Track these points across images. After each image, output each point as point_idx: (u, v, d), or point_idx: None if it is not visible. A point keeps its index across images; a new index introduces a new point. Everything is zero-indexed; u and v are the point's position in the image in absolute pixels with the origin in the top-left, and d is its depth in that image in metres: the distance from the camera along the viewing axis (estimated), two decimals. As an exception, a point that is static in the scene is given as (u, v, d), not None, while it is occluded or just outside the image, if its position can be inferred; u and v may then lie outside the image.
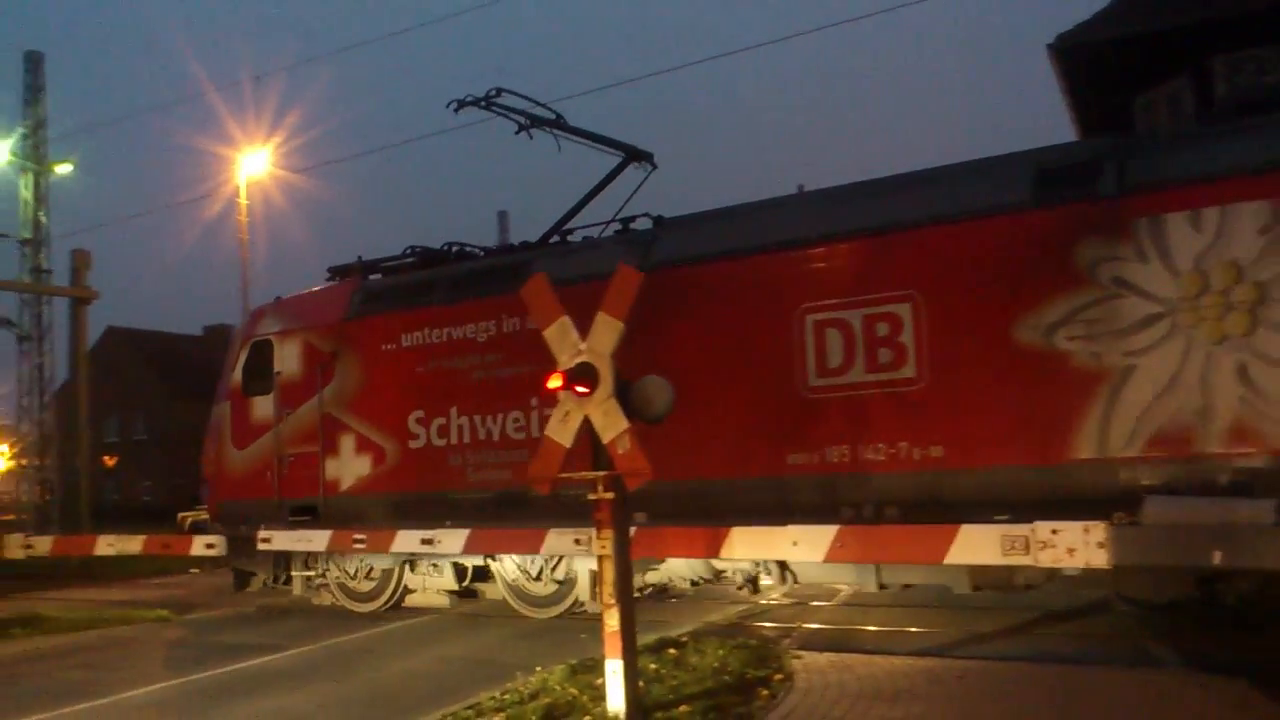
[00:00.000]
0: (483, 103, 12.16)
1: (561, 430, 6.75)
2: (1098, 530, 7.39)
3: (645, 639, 8.17)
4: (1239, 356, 7.77)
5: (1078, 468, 8.23)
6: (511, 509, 10.90)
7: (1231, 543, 7.15)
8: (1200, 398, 7.89)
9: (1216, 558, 7.16)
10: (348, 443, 12.45)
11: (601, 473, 6.64)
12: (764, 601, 12.09)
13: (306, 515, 12.52)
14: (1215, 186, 7.94)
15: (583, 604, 11.10)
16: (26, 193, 29.08)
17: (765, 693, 7.14)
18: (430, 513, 11.42)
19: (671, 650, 8.51)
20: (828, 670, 7.81)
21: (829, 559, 8.43)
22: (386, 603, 12.56)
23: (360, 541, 11.14)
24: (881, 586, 9.21)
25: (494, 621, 11.75)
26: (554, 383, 6.68)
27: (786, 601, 12.15)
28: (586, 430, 6.61)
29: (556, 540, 9.64)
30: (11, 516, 30.91)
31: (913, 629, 9.88)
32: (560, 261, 11.18)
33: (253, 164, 28.05)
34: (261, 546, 12.06)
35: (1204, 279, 7.95)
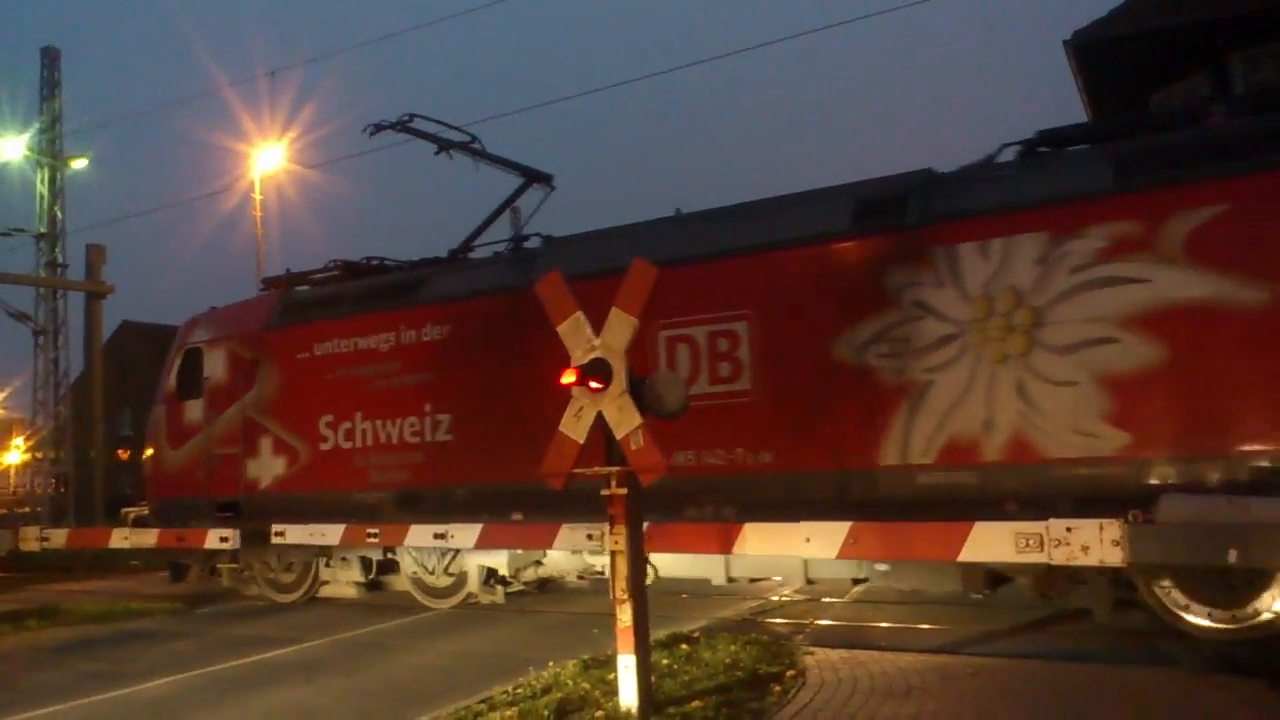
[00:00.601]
0: (397, 127, 13.12)
1: (575, 426, 6.75)
2: (1113, 528, 7.36)
3: (657, 634, 8.16)
4: (1017, 374, 8.58)
5: (884, 473, 9.01)
6: (408, 507, 11.73)
7: (1247, 541, 7.11)
8: (985, 411, 8.69)
9: (1232, 556, 7.12)
10: (266, 445, 13.29)
11: (615, 468, 6.64)
12: (776, 598, 12.09)
13: (230, 512, 13.25)
14: (1001, 219, 8.78)
15: (475, 596, 11.95)
16: (43, 188, 29.23)
17: (778, 689, 7.13)
18: (337, 511, 12.12)
19: (684, 645, 8.51)
20: (840, 666, 7.81)
21: (842, 555, 8.42)
22: (305, 593, 13.41)
23: (373, 535, 11.22)
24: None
25: (506, 617, 11.77)
26: (567, 378, 6.67)
27: (798, 598, 12.14)
28: (600, 426, 6.62)
29: (569, 535, 9.65)
30: (26, 509, 31.11)
31: (925, 626, 9.86)
32: (454, 278, 12.28)
33: (268, 159, 28.12)
34: (275, 540, 12.14)
35: (990, 303, 8.76)
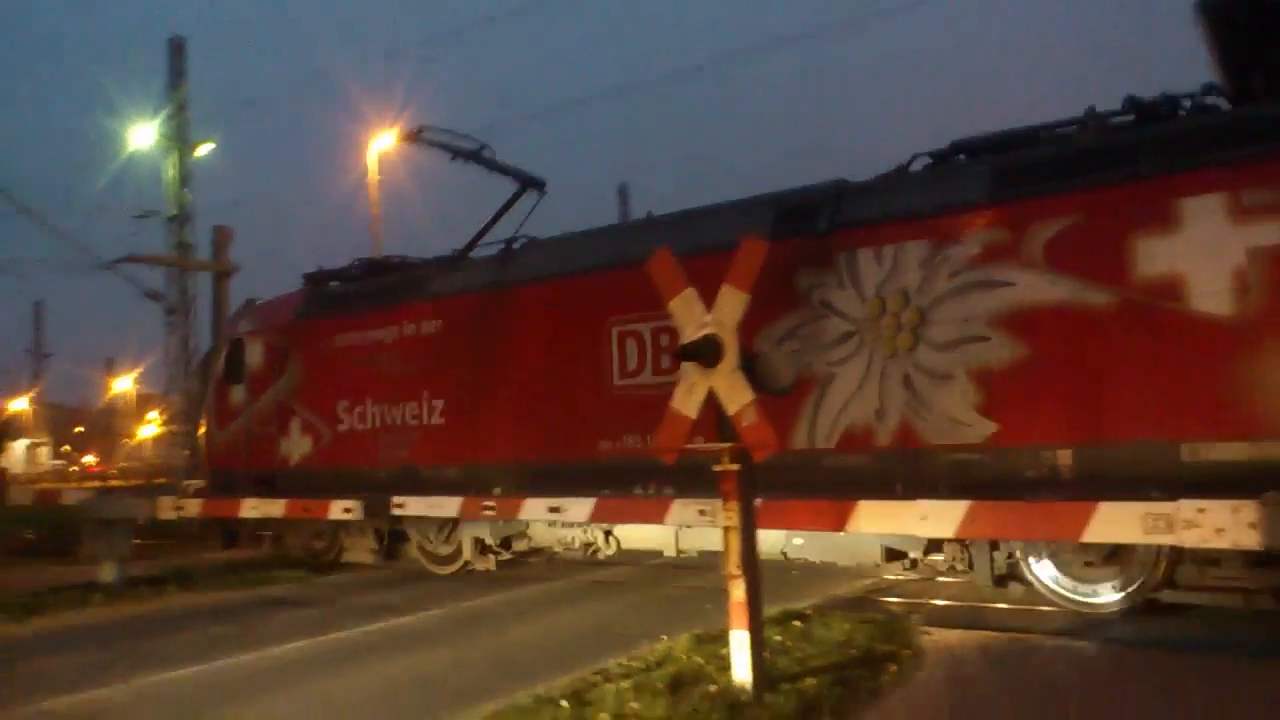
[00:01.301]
0: (412, 138, 14.27)
1: (687, 402, 6.77)
2: (1248, 510, 7.03)
3: (769, 611, 8.13)
4: (905, 369, 9.48)
5: (796, 456, 9.79)
6: (408, 482, 12.99)
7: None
8: (877, 402, 9.63)
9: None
10: (295, 426, 14.86)
11: (727, 444, 6.63)
12: (890, 576, 11.94)
13: (265, 484, 14.78)
14: (893, 227, 9.65)
15: (470, 563, 13.14)
16: (172, 172, 30.42)
17: (893, 668, 7.06)
18: (351, 485, 13.41)
19: (796, 623, 8.47)
20: (958, 648, 7.69)
21: (960, 534, 8.26)
22: (334, 558, 14.71)
23: (490, 508, 11.43)
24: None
25: (619, 590, 11.89)
26: (679, 354, 6.68)
27: (913, 576, 11.96)
28: (711, 402, 6.61)
29: (681, 511, 9.68)
30: (163, 480, 32.57)
31: (1047, 608, 9.62)
32: (449, 276, 13.63)
33: (383, 140, 28.72)
34: (395, 511, 12.47)
35: (882, 303, 9.65)
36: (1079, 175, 8.86)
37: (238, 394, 15.79)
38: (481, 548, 12.98)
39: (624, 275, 10.90)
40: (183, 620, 11.31)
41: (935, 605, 10.03)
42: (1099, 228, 8.60)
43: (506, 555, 13.13)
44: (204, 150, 31.23)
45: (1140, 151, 8.68)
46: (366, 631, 10.13)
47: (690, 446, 6.75)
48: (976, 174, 9.60)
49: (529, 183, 14.16)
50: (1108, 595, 8.94)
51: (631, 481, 10.73)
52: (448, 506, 11.92)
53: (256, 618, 11.26)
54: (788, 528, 9.70)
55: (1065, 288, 8.70)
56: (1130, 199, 8.51)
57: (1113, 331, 8.49)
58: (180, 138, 30.66)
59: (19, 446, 63.20)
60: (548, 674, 7.44)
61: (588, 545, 12.14)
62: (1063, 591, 9.15)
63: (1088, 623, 8.76)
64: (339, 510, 12.68)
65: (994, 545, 9.19)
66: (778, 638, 7.87)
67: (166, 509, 14.34)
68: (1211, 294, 8.04)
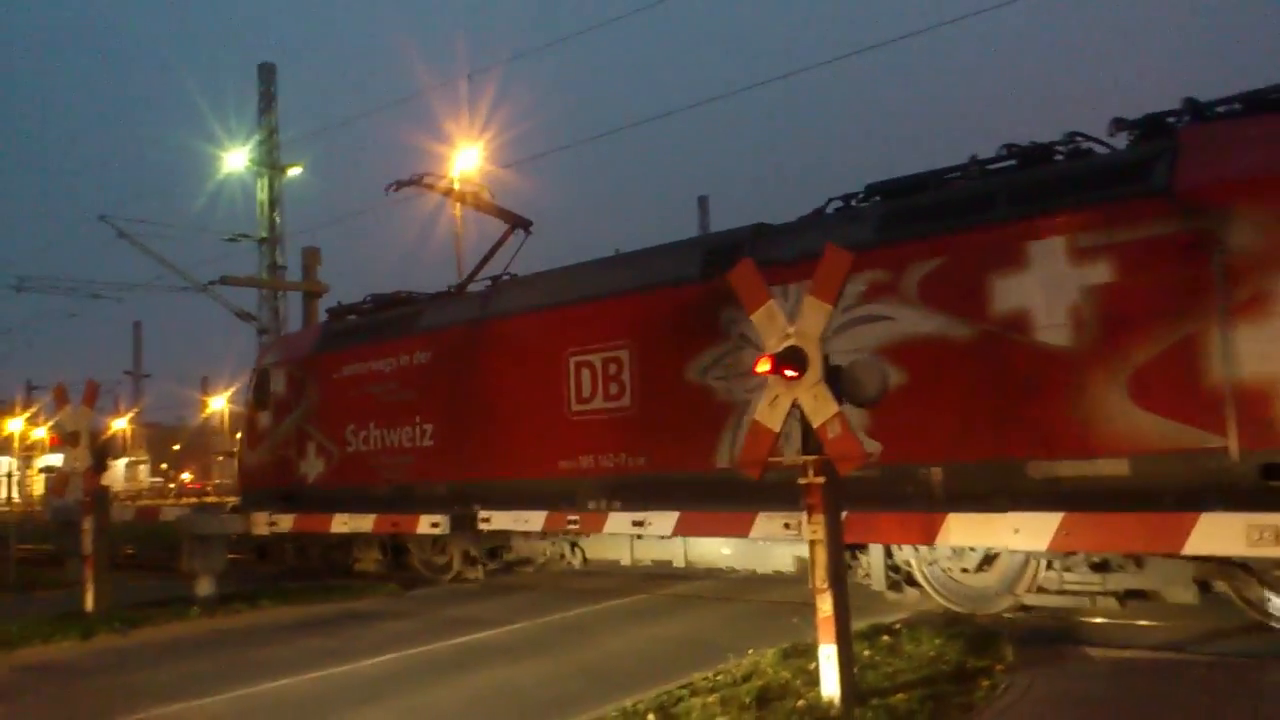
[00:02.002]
0: (414, 184, 16.14)
1: (770, 414, 6.74)
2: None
3: (858, 625, 8.05)
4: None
5: (718, 474, 10.90)
6: (404, 499, 14.29)
7: None
8: (785, 425, 9.33)
9: None
10: (311, 448, 16.33)
11: (812, 457, 6.58)
12: (980, 589, 11.72)
13: (288, 501, 16.10)
14: (798, 266, 10.15)
15: (462, 573, 14.59)
16: (262, 195, 31.28)
17: (986, 683, 6.92)
18: (356, 501, 14.74)
19: (885, 637, 8.36)
20: (1052, 663, 7.50)
21: (1053, 547, 8.09)
22: (348, 569, 15.89)
23: (574, 522, 11.52)
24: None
25: (703, 603, 11.86)
26: (762, 367, 6.66)
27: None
28: (797, 414, 6.58)
29: (765, 524, 9.65)
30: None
31: (1144, 622, 9.34)
32: (438, 311, 14.99)
33: (465, 159, 29.14)
34: (481, 526, 12.62)
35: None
36: (946, 220, 9.76)
37: (265, 419, 17.43)
38: (468, 559, 14.53)
39: (579, 310, 12.65)
40: (277, 633, 11.57)
41: (1028, 620, 9.80)
42: (962, 268, 9.48)
43: (493, 565, 14.65)
44: (293, 173, 32.05)
45: (997, 199, 9.50)
46: (455, 645, 10.25)
47: (775, 460, 6.71)
48: (865, 218, 10.64)
49: (517, 223, 15.84)
50: (988, 599, 9.76)
51: (585, 497, 12.06)
52: (533, 520, 12.03)
53: (348, 631, 11.47)
54: (875, 541, 9.62)
55: (935, 322, 9.65)
56: (986, 242, 9.38)
57: (973, 361, 9.36)
58: (270, 161, 31.53)
59: (119, 465, 65.36)
60: (634, 687, 7.45)
61: (561, 556, 13.82)
62: (947, 595, 9.99)
63: (1187, 637, 8.50)
64: (427, 525, 12.88)
65: (888, 553, 10.15)
66: (866, 652, 7.78)
67: (261, 525, 14.70)
68: (1052, 327, 8.90)
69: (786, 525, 9.38)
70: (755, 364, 6.75)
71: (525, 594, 13.36)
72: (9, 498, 41.33)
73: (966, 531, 8.40)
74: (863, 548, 10.21)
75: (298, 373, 16.88)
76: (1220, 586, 8.52)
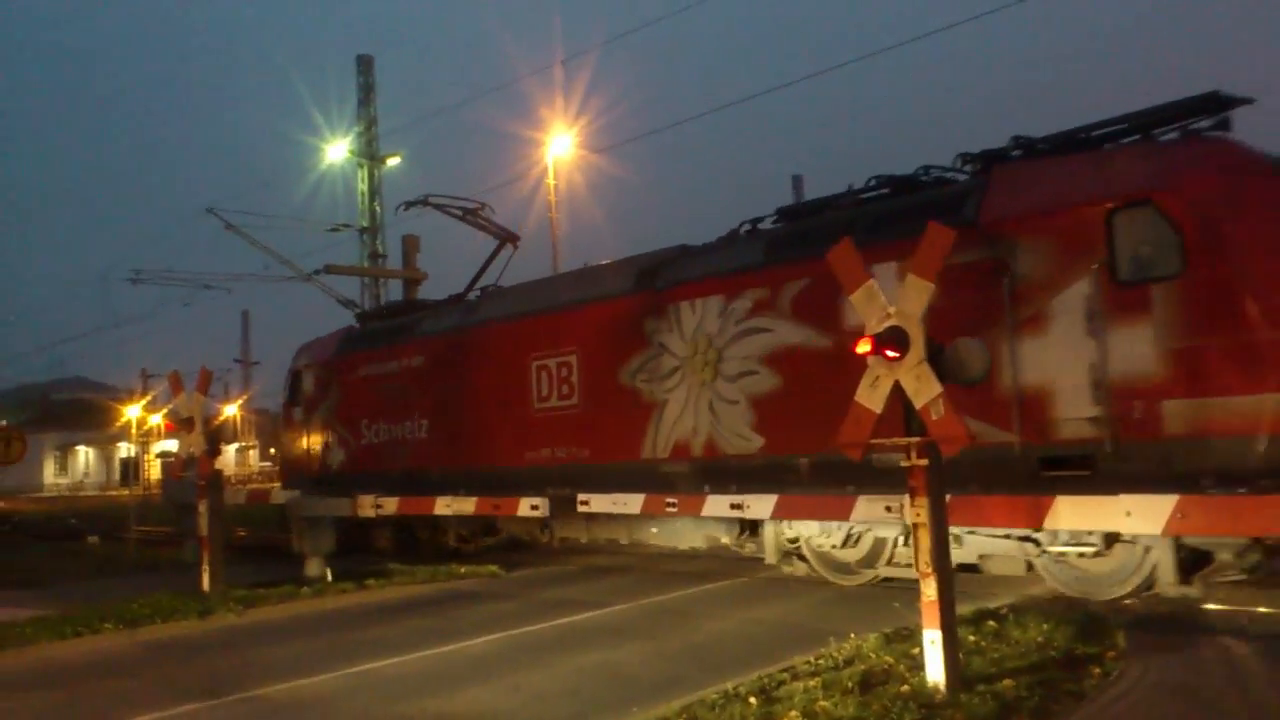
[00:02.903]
0: (421, 204, 18.29)
1: (871, 396, 6.63)
2: None
3: (962, 610, 7.89)
4: (710, 396, 11.94)
5: (645, 463, 12.52)
6: (406, 482, 15.73)
7: None
8: (694, 422, 12.11)
9: None
10: (334, 439, 18.29)
11: (915, 439, 6.47)
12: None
13: (317, 485, 17.85)
14: (704, 284, 12.14)
15: (458, 549, 16.44)
16: (363, 186, 31.91)
17: (1097, 670, 6.73)
18: (369, 485, 16.18)
19: (990, 623, 8.19)
20: (1166, 650, 7.28)
21: (1167, 532, 7.84)
22: (367, 546, 17.28)
23: (672, 505, 11.58)
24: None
25: (802, 587, 11.79)
26: (863, 347, 6.56)
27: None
28: (898, 395, 6.47)
29: (866, 507, 9.54)
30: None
31: (1263, 609, 8.99)
32: (432, 319, 16.94)
33: (560, 146, 29.30)
34: (580, 509, 12.76)
35: (695, 345, 12.12)
36: (813, 246, 10.53)
37: (298, 414, 19.45)
38: (460, 538, 16.41)
39: (538, 320, 14.41)
40: (383, 613, 11.86)
41: (1138, 607, 9.52)
42: (824, 288, 10.39)
43: (481, 544, 16.55)
44: (393, 163, 32.63)
45: (853, 227, 10.44)
46: (557, 626, 10.37)
47: (877, 441, 6.62)
48: (757, 243, 12.17)
49: (506, 238, 17.96)
50: (852, 571, 11.39)
51: (547, 484, 13.44)
52: (631, 504, 12.13)
53: (452, 611, 11.70)
54: (981, 525, 9.44)
55: (803, 334, 11.12)
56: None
57: (831, 368, 10.55)
58: (370, 152, 32.14)
59: (231, 450, 67.51)
60: (735, 669, 7.44)
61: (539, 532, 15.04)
62: (824, 567, 11.53)
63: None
64: (527, 508, 13.06)
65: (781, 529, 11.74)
66: (972, 638, 7.63)
67: (366, 507, 15.06)
68: None
69: (889, 508, 9.26)
70: (855, 345, 6.65)
71: (621, 576, 13.46)
72: (129, 482, 43.10)
73: (1075, 515, 8.17)
74: (760, 525, 11.85)
75: (323, 374, 18.91)
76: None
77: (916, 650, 6.83)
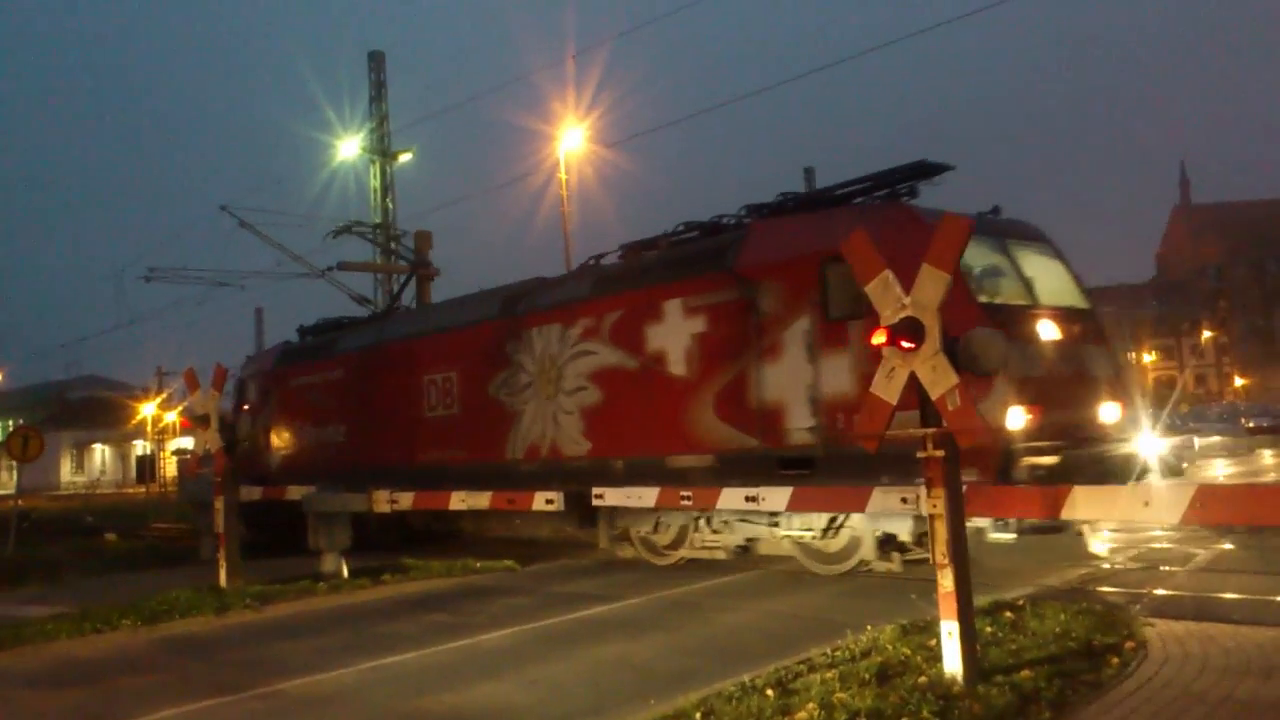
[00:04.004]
0: (350, 230, 23.00)
1: (887, 387, 6.61)
2: None
3: (979, 601, 7.85)
4: (553, 408, 14.09)
5: (507, 463, 14.71)
6: (329, 480, 16.41)
7: None
8: (542, 429, 14.26)
9: None
10: (273, 443, 20.40)
11: (931, 429, 6.45)
12: (1107, 565, 11.38)
13: (259, 483, 18.27)
14: (549, 312, 14.36)
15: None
16: (374, 182, 31.94)
17: (1116, 661, 6.71)
18: (300, 482, 16.93)
19: (1007, 613, 8.18)
20: (1186, 640, 7.25)
21: (1185, 521, 7.77)
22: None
23: (687, 498, 11.55)
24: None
25: (817, 579, 11.77)
26: (878, 338, 6.54)
27: (1132, 566, 11.38)
28: (913, 386, 6.45)
29: (882, 498, 9.51)
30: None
31: (1281, 598, 8.96)
32: (350, 337, 19.51)
33: (571, 140, 29.29)
34: (595, 503, 12.77)
35: (543, 364, 14.29)
36: (624, 282, 13.48)
37: (245, 420, 21.06)
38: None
39: (428, 340, 16.93)
40: (400, 608, 11.89)
41: (1158, 595, 9.49)
42: (632, 318, 13.02)
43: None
44: (404, 159, 32.64)
45: (654, 268, 13.08)
46: (572, 619, 10.39)
47: (894, 432, 6.60)
48: (589, 278, 14.29)
49: (418, 266, 22.58)
50: (663, 554, 13.65)
51: (440, 480, 14.92)
52: (645, 497, 12.12)
53: (467, 606, 11.72)
54: (999, 515, 9.40)
55: (618, 356, 13.19)
56: (644, 301, 12.95)
57: (638, 386, 12.91)
58: (382, 149, 32.16)
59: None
60: (752, 662, 7.44)
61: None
62: (646, 552, 13.78)
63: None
64: (542, 502, 13.05)
65: (612, 523, 13.87)
66: (989, 629, 7.63)
67: (382, 502, 15.08)
68: (677, 362, 12.51)
69: (904, 500, 9.23)
70: (870, 335, 6.64)
71: (634, 570, 13.46)
72: (145, 479, 43.33)
73: (1093, 505, 8.11)
74: (598, 515, 13.68)
75: (265, 383, 21.08)
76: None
77: (934, 642, 6.82)
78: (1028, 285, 11.16)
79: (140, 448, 77.18)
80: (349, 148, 32.38)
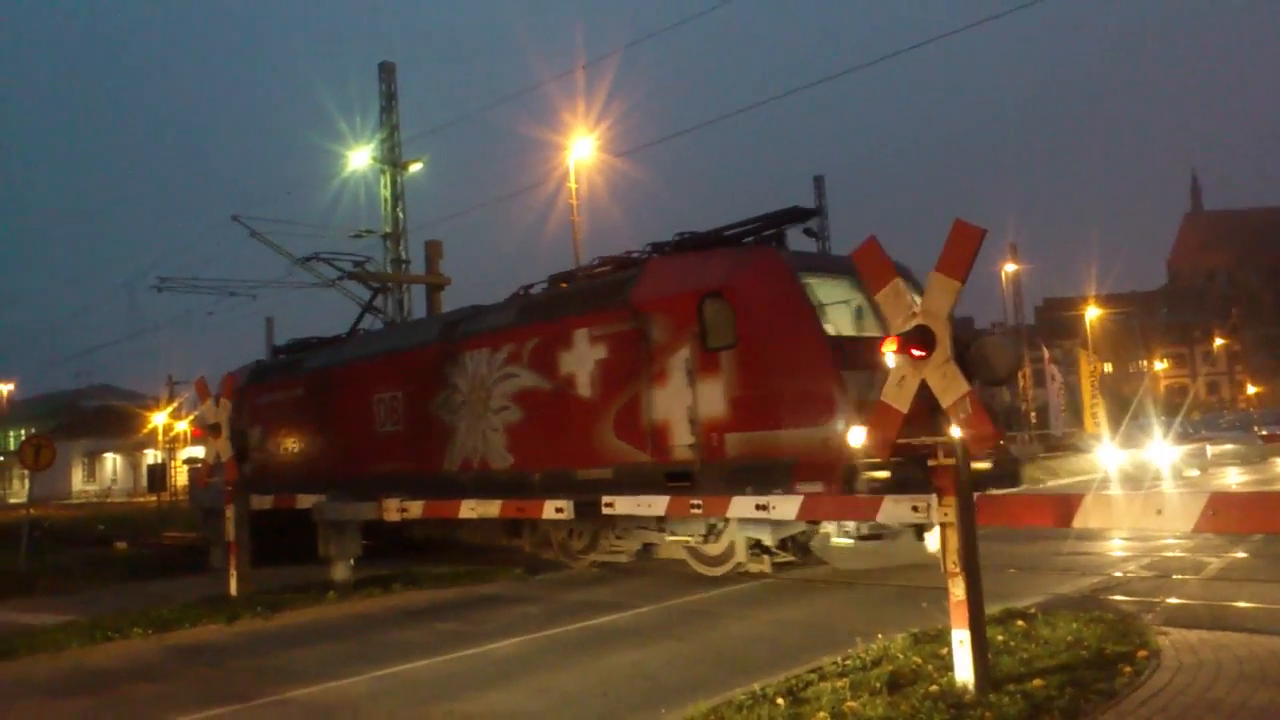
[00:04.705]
0: (318, 260, 24.19)
1: (898, 395, 6.60)
2: None
3: (990, 609, 7.83)
4: (483, 425, 15.28)
5: (445, 474, 15.79)
6: (294, 489, 16.83)
7: None
8: (474, 444, 15.45)
9: None
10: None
11: (941, 438, 6.43)
12: (1118, 573, 11.33)
13: None
14: (480, 337, 15.61)
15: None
16: (385, 192, 31.99)
17: (1128, 669, 6.68)
18: (269, 490, 17.29)
19: (1019, 622, 8.15)
20: (1200, 649, 7.21)
21: (1199, 529, 7.74)
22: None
23: (697, 507, 11.50)
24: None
25: (827, 587, 11.76)
26: (889, 346, 6.52)
27: (1144, 574, 11.32)
28: (924, 394, 6.43)
29: (892, 507, 9.47)
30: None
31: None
32: (316, 355, 20.70)
33: (581, 149, 29.32)
34: (605, 511, 12.72)
35: (474, 385, 15.49)
36: (543, 312, 14.77)
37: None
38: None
39: (376, 362, 18.32)
40: (410, 617, 11.89)
41: (1170, 604, 9.44)
42: (549, 345, 14.26)
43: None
44: (415, 169, 32.69)
45: (567, 300, 14.51)
46: (581, 628, 10.38)
47: (904, 441, 6.58)
48: (514, 307, 15.55)
49: (380, 289, 23.79)
50: (578, 558, 14.95)
51: (391, 489, 14.90)
52: (656, 505, 12.07)
53: (477, 614, 11.72)
54: (1007, 524, 9.37)
55: (536, 379, 14.42)
56: (557, 330, 14.19)
57: (552, 406, 14.14)
58: (393, 158, 32.23)
59: (256, 455, 67.71)
60: (762, 671, 7.43)
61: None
62: (565, 556, 15.12)
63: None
64: (551, 510, 13.00)
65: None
66: (1000, 637, 7.60)
67: (392, 511, 15.09)
68: (584, 385, 13.67)
69: (915, 508, 9.19)
70: (881, 344, 6.63)
71: (643, 578, 13.45)
72: (156, 488, 43.39)
73: (1105, 515, 8.09)
74: (538, 524, 14.84)
75: (236, 400, 21.47)
76: None
77: (945, 650, 6.80)
78: (879, 317, 11.47)
79: (151, 457, 77.33)
80: (360, 157, 32.45)
